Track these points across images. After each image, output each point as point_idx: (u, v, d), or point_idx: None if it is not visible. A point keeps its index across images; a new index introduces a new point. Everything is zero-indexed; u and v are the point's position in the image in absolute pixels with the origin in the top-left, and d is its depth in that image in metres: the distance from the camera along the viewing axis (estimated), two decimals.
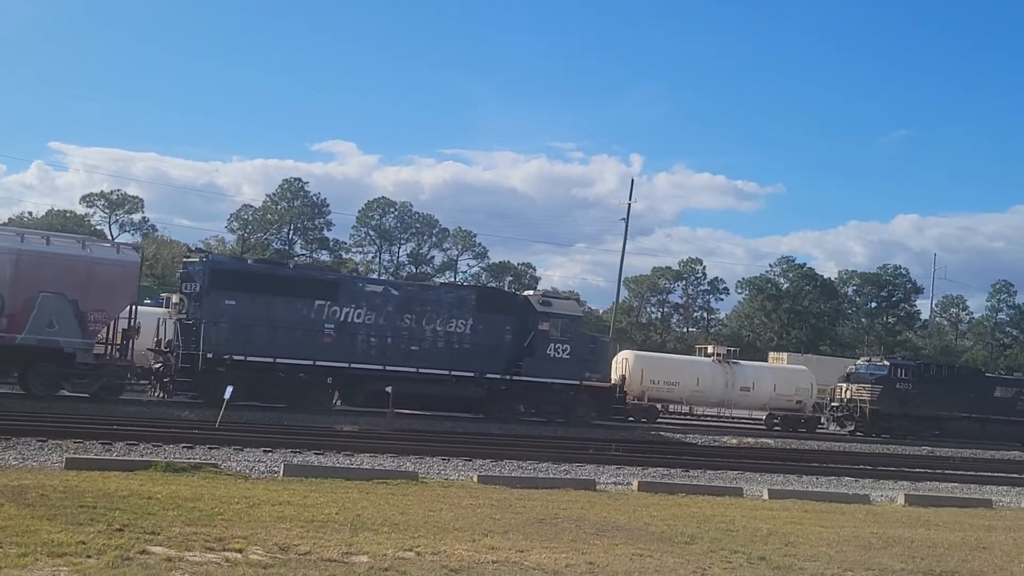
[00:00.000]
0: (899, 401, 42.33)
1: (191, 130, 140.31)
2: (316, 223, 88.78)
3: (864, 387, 42.47)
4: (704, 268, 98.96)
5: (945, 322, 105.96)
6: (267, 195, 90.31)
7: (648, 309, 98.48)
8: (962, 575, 11.28)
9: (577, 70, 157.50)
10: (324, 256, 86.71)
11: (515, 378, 31.53)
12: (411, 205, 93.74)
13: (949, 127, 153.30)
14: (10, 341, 24.96)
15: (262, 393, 28.02)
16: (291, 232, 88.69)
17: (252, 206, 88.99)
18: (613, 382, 34.93)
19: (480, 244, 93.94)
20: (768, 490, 18.63)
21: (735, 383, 41.76)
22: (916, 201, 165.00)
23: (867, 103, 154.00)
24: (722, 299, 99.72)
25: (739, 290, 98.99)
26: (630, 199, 68.10)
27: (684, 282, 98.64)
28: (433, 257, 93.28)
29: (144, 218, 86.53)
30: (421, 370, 30.00)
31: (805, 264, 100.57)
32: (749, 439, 34.61)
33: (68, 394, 26.09)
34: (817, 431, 42.07)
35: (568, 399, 32.46)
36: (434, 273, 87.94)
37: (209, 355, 26.97)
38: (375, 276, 76.50)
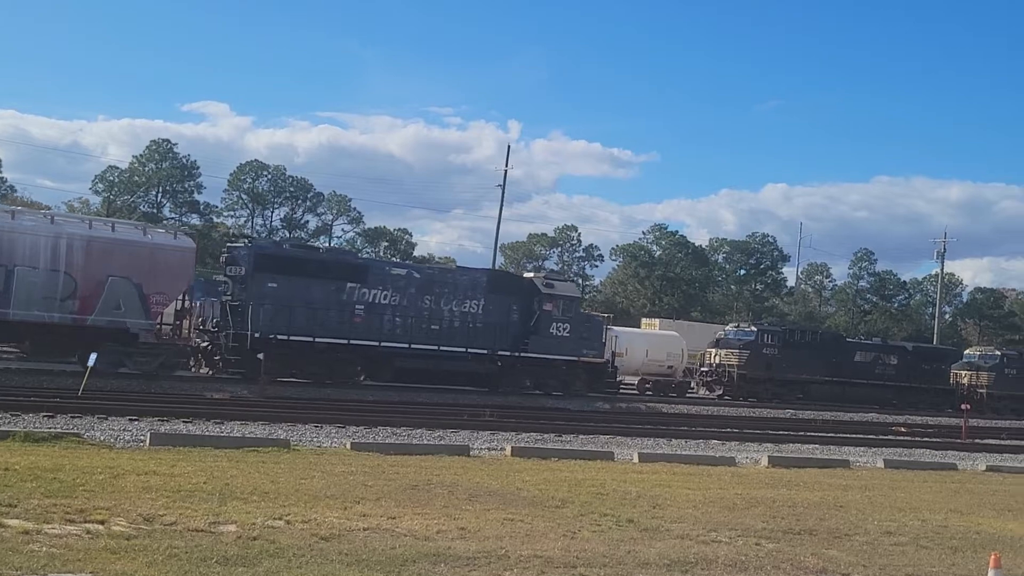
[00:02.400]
0: (765, 365, 43.66)
1: (54, 87, 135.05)
2: (186, 186, 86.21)
3: (732, 352, 43.66)
4: (579, 235, 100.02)
5: (810, 289, 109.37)
6: (134, 156, 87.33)
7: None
8: (820, 533, 11.68)
9: (457, 35, 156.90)
10: (194, 220, 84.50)
11: (523, 355, 33.52)
12: (285, 169, 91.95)
13: (818, 98, 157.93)
14: (82, 322, 26.52)
15: (300, 369, 30.12)
16: (159, 195, 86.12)
17: (118, 167, 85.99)
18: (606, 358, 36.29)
19: (356, 209, 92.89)
20: (638, 453, 18.98)
21: (608, 348, 42.36)
22: (785, 171, 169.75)
23: (741, 72, 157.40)
24: (597, 266, 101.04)
25: (613, 257, 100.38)
26: (507, 165, 68.34)
27: (560, 249, 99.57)
28: (307, 222, 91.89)
29: (2, 179, 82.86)
30: (442, 348, 31.98)
31: (677, 232, 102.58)
32: (622, 404, 35.21)
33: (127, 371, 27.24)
34: (687, 395, 43.09)
35: (567, 374, 34.74)
36: (308, 238, 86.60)
37: (256, 335, 28.35)
38: (251, 239, 75.04)
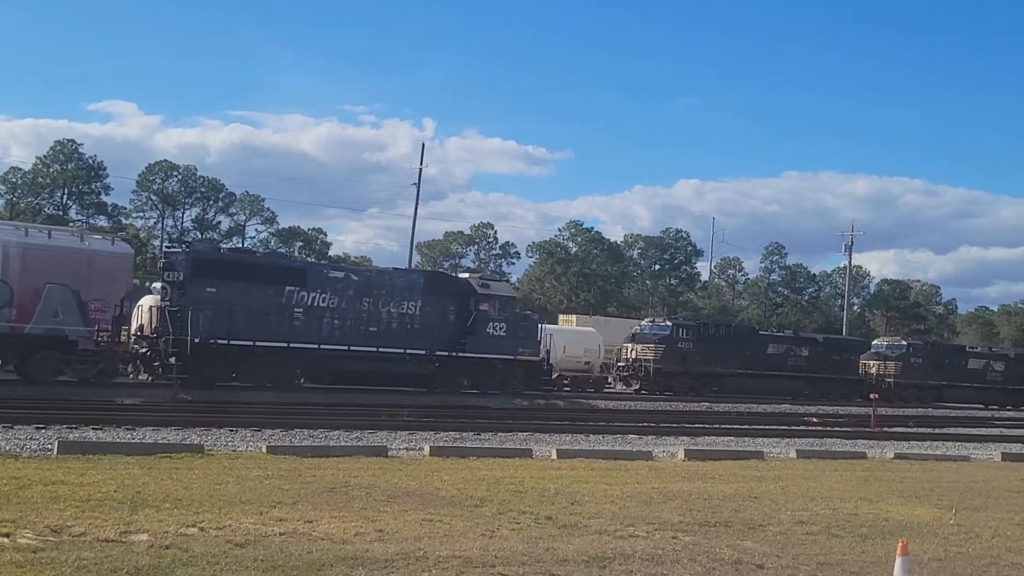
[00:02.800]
0: (681, 359, 44.25)
1: None
2: (93, 187, 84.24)
3: (648, 347, 44.17)
4: (496, 232, 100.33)
5: (723, 283, 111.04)
6: (38, 157, 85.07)
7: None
8: (735, 524, 11.85)
9: (370, 33, 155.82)
10: (102, 221, 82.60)
11: (460, 355, 34.16)
12: (196, 169, 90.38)
13: (734, 95, 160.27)
14: (19, 330, 26.41)
15: (241, 374, 30.31)
16: (65, 196, 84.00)
17: (21, 168, 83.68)
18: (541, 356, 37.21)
19: (269, 209, 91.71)
20: (557, 450, 19.05)
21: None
22: (697, 166, 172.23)
23: (655, 70, 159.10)
24: (514, 263, 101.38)
25: (530, 254, 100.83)
26: (421, 163, 68.24)
27: (476, 247, 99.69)
28: (220, 223, 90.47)
29: None
30: (380, 349, 32.44)
31: (593, 228, 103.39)
32: (540, 400, 35.36)
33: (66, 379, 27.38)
34: (604, 390, 43.44)
35: (504, 372, 35.59)
36: (220, 239, 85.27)
37: (196, 340, 28.42)
38: (164, 242, 73.90)
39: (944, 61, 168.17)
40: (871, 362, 51.37)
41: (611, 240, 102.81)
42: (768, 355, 47.61)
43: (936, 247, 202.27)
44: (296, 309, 31.09)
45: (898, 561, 7.50)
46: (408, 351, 32.99)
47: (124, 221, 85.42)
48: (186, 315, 28.41)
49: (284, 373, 31.03)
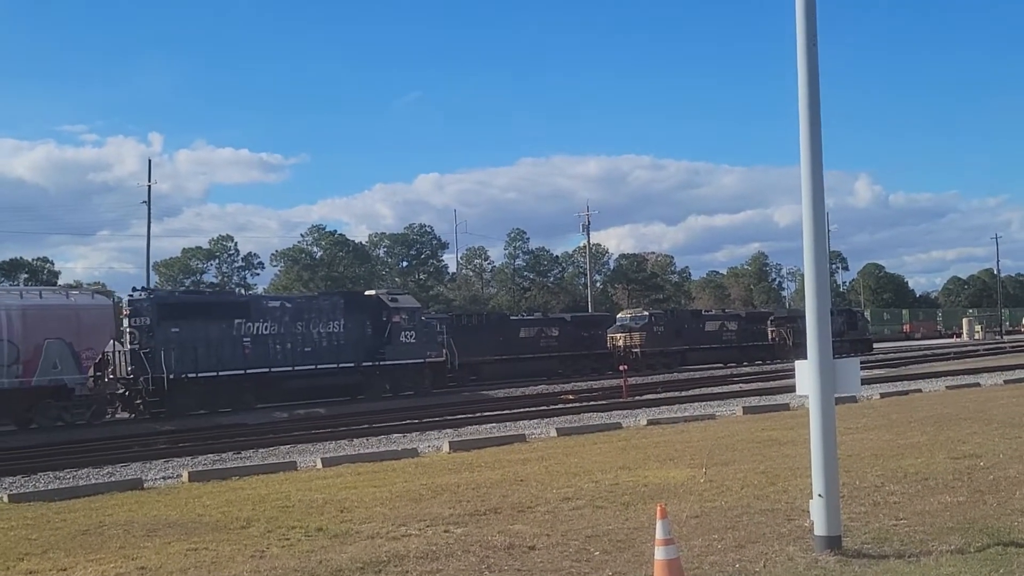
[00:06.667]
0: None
1: None
2: None
3: None
4: (236, 244, 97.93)
5: (471, 273, 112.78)
6: None
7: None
8: (504, 510, 12.04)
9: (73, 44, 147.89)
10: None
11: (381, 363, 38.52)
12: None
13: (454, 87, 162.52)
14: (28, 384, 29.43)
15: (206, 402, 33.30)
16: None
17: None
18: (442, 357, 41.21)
19: None
20: (322, 459, 18.71)
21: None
22: (435, 161, 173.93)
23: (377, 68, 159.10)
24: (258, 273, 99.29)
25: (274, 263, 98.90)
26: (151, 180, 65.53)
27: (217, 260, 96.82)
28: None
29: None
30: (318, 366, 36.51)
31: (336, 231, 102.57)
32: (300, 411, 34.73)
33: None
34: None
35: (418, 374, 40.01)
36: None
37: (171, 376, 31.88)
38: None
39: (658, 39, 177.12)
40: (617, 335, 53.42)
41: (356, 241, 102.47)
42: (521, 339, 48.64)
43: (667, 219, 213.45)
44: (245, 339, 34.71)
45: (659, 524, 7.83)
46: (340, 364, 37.11)
47: None
48: (158, 355, 31.73)
49: (241, 398, 34.20)
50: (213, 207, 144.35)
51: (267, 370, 35.00)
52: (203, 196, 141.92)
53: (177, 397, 32.13)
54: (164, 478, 17.73)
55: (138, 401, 32.49)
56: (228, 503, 13.81)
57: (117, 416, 32.63)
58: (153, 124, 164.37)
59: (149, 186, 64.74)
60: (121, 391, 32.86)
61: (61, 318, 30.13)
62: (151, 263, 70.20)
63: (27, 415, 29.78)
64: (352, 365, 37.65)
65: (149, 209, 64.47)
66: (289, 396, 35.50)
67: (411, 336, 39.58)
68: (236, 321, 34.61)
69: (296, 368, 35.83)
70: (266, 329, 35.48)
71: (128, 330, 33.20)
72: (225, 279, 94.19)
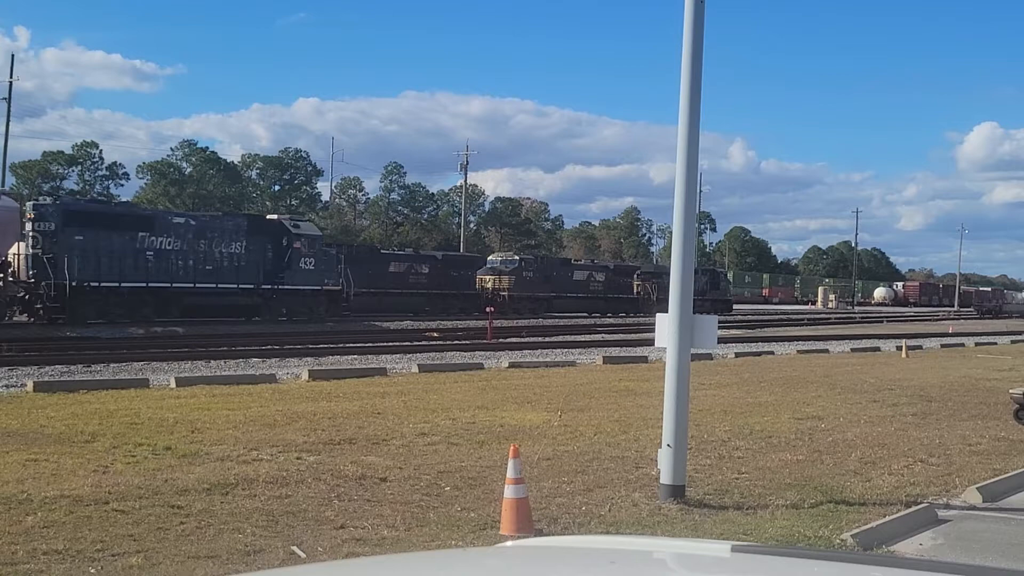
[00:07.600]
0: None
1: None
2: None
3: None
4: (101, 152, 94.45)
5: (344, 203, 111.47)
6: None
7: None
8: (359, 441, 12.01)
9: None
10: None
11: (279, 287, 39.23)
12: None
13: (341, 13, 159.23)
14: None
15: (106, 313, 33.61)
16: None
17: None
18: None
19: None
20: (176, 378, 18.31)
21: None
22: (316, 85, 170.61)
23: None
24: (123, 184, 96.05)
25: (140, 175, 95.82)
26: (12, 76, 62.40)
27: (80, 167, 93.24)
28: None
29: None
30: (219, 285, 37.07)
31: (208, 148, 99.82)
32: (157, 328, 33.93)
33: None
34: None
35: (314, 301, 40.82)
36: None
37: (73, 283, 32.18)
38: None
39: None
40: (487, 277, 53.67)
41: (228, 160, 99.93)
42: (390, 273, 48.47)
43: (545, 166, 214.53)
44: (148, 252, 35.12)
45: (510, 463, 7.92)
46: (240, 285, 37.66)
47: None
48: (61, 261, 32.00)
49: (141, 311, 34.60)
50: (79, 111, 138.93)
51: (168, 285, 35.41)
52: (69, 99, 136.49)
53: (78, 305, 32.34)
54: (7, 386, 17.09)
55: (38, 306, 32.77)
56: (74, 416, 13.42)
57: (15, 319, 32.84)
58: (19, 17, 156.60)
59: (11, 82, 61.66)
60: (21, 294, 32.98)
61: None
62: (7, 164, 67.22)
63: None
64: (252, 287, 38.26)
65: (9, 107, 61.54)
66: (188, 312, 35.94)
67: (310, 263, 40.23)
68: (140, 234, 35.00)
69: (197, 285, 36.32)
70: (169, 245, 35.87)
71: (31, 234, 32.91)
72: (87, 187, 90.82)
